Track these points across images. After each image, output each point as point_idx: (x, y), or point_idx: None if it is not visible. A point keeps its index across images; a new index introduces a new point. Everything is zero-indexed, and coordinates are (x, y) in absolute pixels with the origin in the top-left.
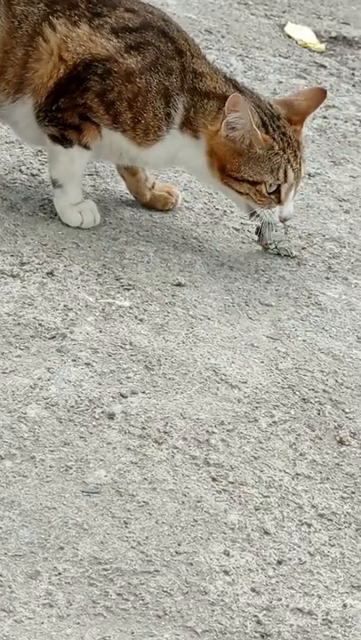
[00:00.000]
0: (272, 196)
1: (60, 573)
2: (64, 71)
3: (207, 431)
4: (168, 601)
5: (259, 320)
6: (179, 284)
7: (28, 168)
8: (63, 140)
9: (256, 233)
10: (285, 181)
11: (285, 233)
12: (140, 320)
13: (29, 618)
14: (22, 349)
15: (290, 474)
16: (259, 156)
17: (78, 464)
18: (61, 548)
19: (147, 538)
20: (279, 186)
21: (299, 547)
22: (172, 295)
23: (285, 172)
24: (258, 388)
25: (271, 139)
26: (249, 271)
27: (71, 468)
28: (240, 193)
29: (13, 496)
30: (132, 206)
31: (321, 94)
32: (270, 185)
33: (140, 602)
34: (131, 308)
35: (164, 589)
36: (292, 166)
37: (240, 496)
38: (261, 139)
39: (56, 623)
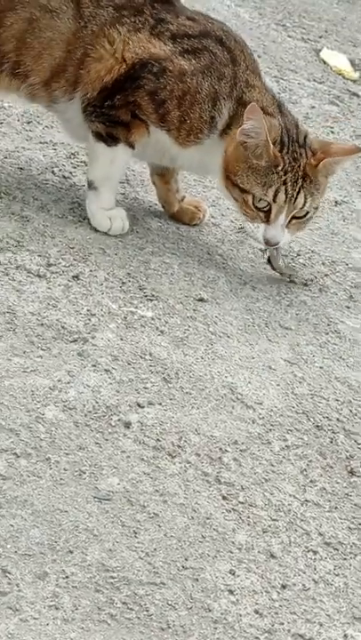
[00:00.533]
0: (260, 213)
1: (67, 577)
2: (124, 70)
3: (220, 449)
4: (172, 614)
5: (278, 343)
6: (201, 299)
7: (60, 170)
8: (108, 139)
9: (267, 261)
10: (274, 201)
11: (290, 263)
12: (161, 332)
13: (35, 618)
14: (44, 350)
15: (299, 499)
16: (260, 168)
17: (92, 469)
18: (70, 552)
19: (155, 550)
20: (270, 205)
21: (304, 573)
22: (194, 310)
23: (276, 192)
24: (273, 410)
25: (280, 158)
26: (271, 293)
27: (85, 473)
28: (233, 198)
29: (26, 495)
30: (160, 217)
31: (354, 150)
32: (258, 199)
33: (145, 612)
34: (152, 318)
35: (169, 602)
36: (286, 190)
37: (249, 517)
38: (271, 152)
39: (61, 626)
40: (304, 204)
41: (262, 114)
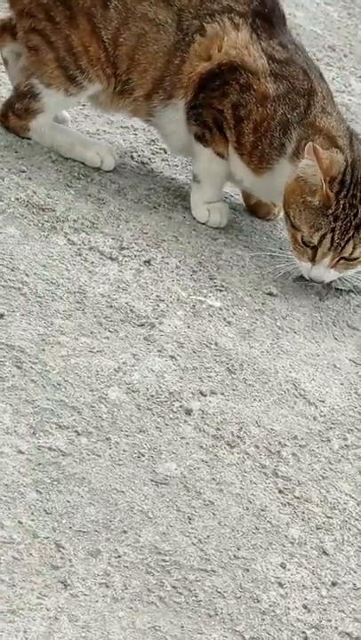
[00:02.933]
0: (308, 249)
1: (119, 556)
2: (209, 66)
3: (280, 443)
4: (221, 602)
5: (344, 342)
6: (270, 294)
7: (139, 155)
8: (202, 139)
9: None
10: (319, 246)
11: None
12: (228, 322)
13: (85, 594)
14: (111, 332)
15: (355, 499)
16: (312, 207)
17: (151, 453)
18: (124, 532)
19: (208, 537)
20: (317, 247)
21: (355, 572)
22: (263, 303)
23: (322, 238)
24: (335, 408)
25: (334, 200)
26: (340, 293)
27: (143, 456)
28: (286, 228)
29: (85, 473)
30: (235, 209)
31: None
32: (307, 239)
33: (194, 598)
34: (220, 309)
35: (218, 590)
36: (333, 238)
37: (304, 512)
38: (325, 193)
39: (110, 604)
40: (353, 252)
41: (319, 154)
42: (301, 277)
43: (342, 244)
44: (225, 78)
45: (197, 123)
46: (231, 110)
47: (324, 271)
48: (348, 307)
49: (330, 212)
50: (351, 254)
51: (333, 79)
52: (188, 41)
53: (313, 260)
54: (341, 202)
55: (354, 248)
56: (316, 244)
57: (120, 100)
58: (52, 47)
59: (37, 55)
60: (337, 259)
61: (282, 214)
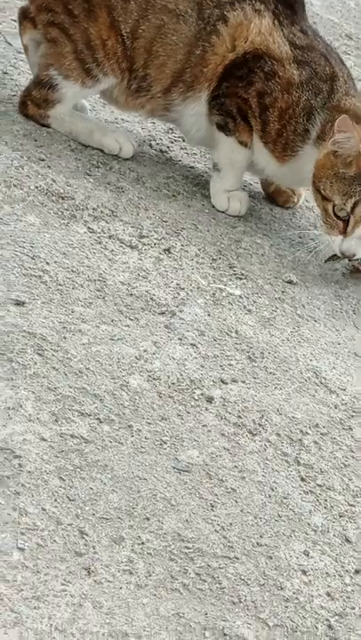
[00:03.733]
0: (338, 222)
1: (143, 543)
2: (234, 56)
3: (301, 431)
4: (244, 589)
5: None
6: (290, 282)
7: (157, 144)
8: (225, 128)
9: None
10: (352, 213)
11: None
12: (249, 311)
13: (109, 581)
14: (132, 320)
15: None
16: (345, 177)
17: (173, 440)
18: (147, 519)
19: (231, 524)
20: (349, 216)
21: None
22: (283, 291)
23: (355, 204)
24: (356, 397)
25: None
26: (360, 281)
27: (165, 443)
28: (317, 205)
29: (107, 460)
30: (254, 197)
31: None
32: (339, 208)
33: (217, 585)
34: (241, 297)
35: (242, 577)
36: None
37: (326, 500)
38: None
39: (134, 591)
40: None
41: (352, 125)
42: (331, 258)
43: None
44: (250, 66)
45: (220, 112)
46: (256, 99)
47: (356, 244)
48: None
49: None
50: None
51: (351, 67)
52: (210, 30)
53: (344, 231)
54: None
55: None
56: (348, 211)
57: (137, 99)
58: (71, 40)
59: (56, 47)
60: None
61: (301, 202)
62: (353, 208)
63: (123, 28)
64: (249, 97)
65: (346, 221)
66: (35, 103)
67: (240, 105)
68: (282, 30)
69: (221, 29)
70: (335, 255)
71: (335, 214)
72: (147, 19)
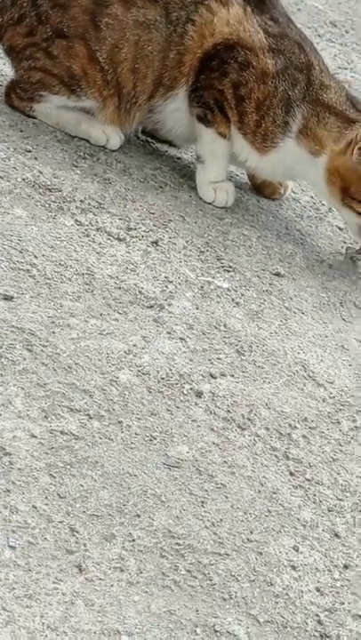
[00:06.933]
0: None
1: (133, 540)
2: (207, 48)
3: (290, 425)
4: (235, 586)
5: (352, 323)
6: (278, 274)
7: (142, 133)
8: (204, 120)
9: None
10: None
11: None
12: (237, 304)
13: (100, 578)
14: (120, 314)
15: None
16: None
17: (163, 436)
18: (138, 516)
19: (221, 520)
20: None
21: None
22: (270, 284)
23: None
24: (344, 390)
25: None
26: (347, 272)
27: (155, 439)
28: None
29: (97, 457)
30: (241, 189)
31: None
32: None
33: (208, 582)
34: (229, 290)
35: (232, 574)
36: None
37: (315, 495)
38: None
39: (125, 588)
40: None
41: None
42: (358, 252)
43: None
44: (222, 57)
45: (199, 104)
46: (232, 90)
47: None
48: (355, 287)
49: None
50: None
51: (335, 56)
52: (181, 32)
53: None
54: None
55: None
56: None
57: (129, 114)
58: (55, 77)
59: (41, 81)
60: None
61: (288, 194)
62: None
63: (99, 55)
64: (224, 88)
65: None
66: (19, 97)
67: (217, 96)
68: (255, 18)
69: (190, 31)
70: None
71: None
72: (125, 39)
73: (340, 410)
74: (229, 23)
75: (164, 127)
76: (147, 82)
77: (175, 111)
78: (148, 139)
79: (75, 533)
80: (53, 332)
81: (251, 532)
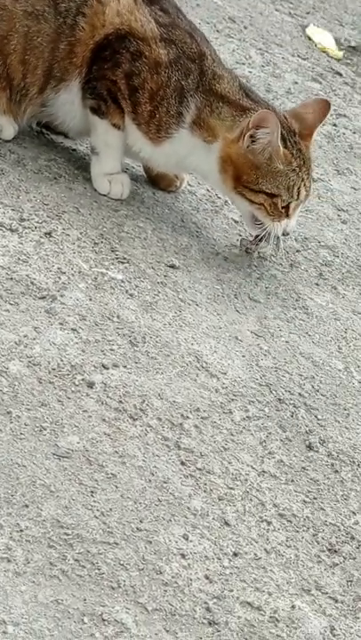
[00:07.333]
0: (282, 210)
1: (21, 530)
2: (99, 39)
3: (182, 415)
4: (123, 574)
5: (245, 314)
6: (172, 266)
7: (37, 125)
8: (98, 111)
9: (256, 240)
10: (298, 199)
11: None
12: (131, 295)
13: None
14: (11, 304)
15: (256, 470)
16: (278, 171)
17: (53, 426)
18: (26, 506)
19: (110, 510)
20: (290, 202)
21: (256, 542)
22: (165, 276)
23: (298, 191)
24: (236, 380)
25: (290, 154)
26: (242, 265)
27: (45, 430)
28: (253, 203)
29: None
30: (137, 181)
31: (326, 107)
32: (284, 200)
33: (96, 571)
34: (123, 281)
35: (121, 562)
36: (304, 185)
37: (206, 484)
38: (282, 154)
39: (12, 578)
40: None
41: (276, 120)
42: (253, 244)
43: (310, 185)
44: (114, 47)
45: (92, 96)
46: (125, 80)
47: (295, 221)
48: (249, 279)
49: (294, 164)
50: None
51: (234, 51)
52: (72, 24)
53: (288, 215)
54: (293, 151)
55: (311, 184)
56: (295, 198)
57: (19, 107)
58: None
59: None
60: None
61: (183, 186)
62: (298, 194)
63: None
64: (117, 79)
65: (287, 206)
66: None
67: (110, 87)
68: (145, 8)
69: (81, 22)
70: (257, 237)
71: (281, 207)
72: (15, 30)
73: (233, 400)
74: (120, 13)
75: (57, 120)
76: (37, 73)
77: (68, 104)
78: (44, 130)
79: None
80: None
81: (140, 522)
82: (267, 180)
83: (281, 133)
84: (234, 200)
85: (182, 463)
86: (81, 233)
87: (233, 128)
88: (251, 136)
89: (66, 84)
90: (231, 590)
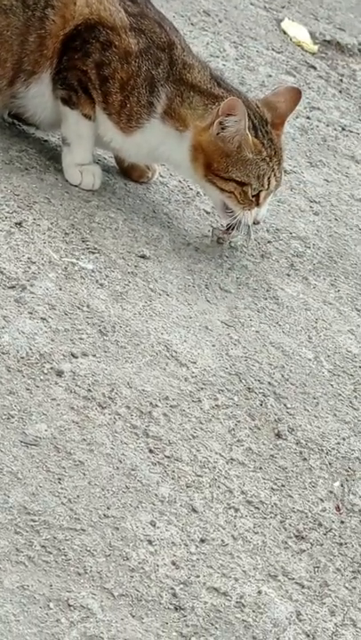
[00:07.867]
0: (253, 199)
1: None
2: (69, 30)
3: (151, 403)
4: (90, 560)
5: (216, 304)
6: (143, 256)
7: (8, 115)
8: (69, 102)
9: (227, 229)
10: (268, 188)
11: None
12: (101, 285)
13: None
14: None
15: (225, 457)
16: (248, 159)
17: (21, 414)
18: None
19: (78, 496)
20: (260, 190)
21: (223, 529)
22: (135, 266)
23: (269, 180)
24: (206, 370)
25: (260, 144)
26: (213, 255)
27: (13, 417)
28: (224, 191)
29: None
30: (109, 172)
31: (298, 95)
32: (254, 189)
33: (63, 557)
34: (93, 271)
35: (88, 549)
36: (275, 175)
37: (174, 471)
38: (251, 143)
39: None
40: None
41: (243, 107)
42: (224, 233)
43: (280, 175)
44: (84, 37)
45: (63, 86)
46: (95, 70)
47: (265, 209)
48: (220, 270)
49: (264, 154)
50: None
51: (208, 44)
52: (41, 16)
53: (258, 204)
54: (264, 140)
55: (281, 173)
56: (265, 188)
57: None
58: None
59: None
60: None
61: (155, 177)
62: (268, 184)
63: None
64: (87, 68)
65: (257, 195)
66: None
67: (80, 77)
68: None
69: (51, 15)
70: (229, 227)
71: (251, 195)
72: None
73: (202, 389)
74: (89, 3)
75: (27, 112)
76: (6, 66)
77: (39, 96)
78: (15, 121)
79: None
80: None
81: (108, 508)
82: (236, 168)
83: (253, 122)
84: (205, 188)
85: (150, 451)
86: (52, 223)
87: (204, 116)
88: (220, 123)
89: (36, 76)
90: (198, 576)
